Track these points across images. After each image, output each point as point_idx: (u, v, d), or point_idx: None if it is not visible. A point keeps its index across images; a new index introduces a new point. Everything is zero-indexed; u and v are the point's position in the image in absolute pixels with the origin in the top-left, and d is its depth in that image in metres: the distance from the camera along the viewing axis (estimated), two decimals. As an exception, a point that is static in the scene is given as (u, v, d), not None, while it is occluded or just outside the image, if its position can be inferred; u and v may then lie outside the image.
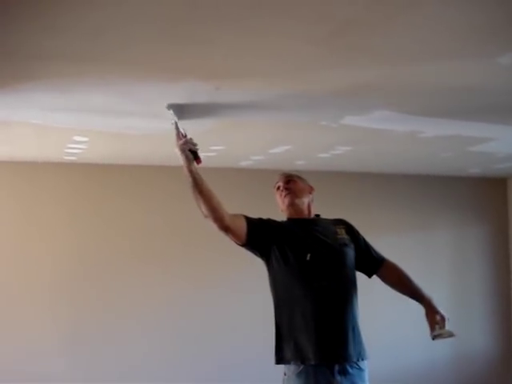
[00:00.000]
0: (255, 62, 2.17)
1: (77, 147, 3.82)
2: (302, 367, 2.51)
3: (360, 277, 2.74)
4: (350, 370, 2.52)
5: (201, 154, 2.53)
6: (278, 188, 2.78)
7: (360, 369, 2.56)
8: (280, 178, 2.80)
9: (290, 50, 2.04)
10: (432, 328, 2.57)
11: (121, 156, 4.28)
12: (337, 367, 2.50)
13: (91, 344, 4.46)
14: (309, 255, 2.58)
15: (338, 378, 2.49)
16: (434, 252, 5.45)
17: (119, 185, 4.68)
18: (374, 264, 2.78)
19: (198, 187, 2.48)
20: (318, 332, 2.52)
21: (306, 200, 2.77)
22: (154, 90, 2.50)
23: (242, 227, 2.57)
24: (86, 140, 3.58)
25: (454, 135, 3.51)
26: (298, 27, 1.82)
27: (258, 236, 2.62)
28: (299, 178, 2.81)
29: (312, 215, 2.79)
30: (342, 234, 2.73)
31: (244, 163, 4.60)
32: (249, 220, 2.61)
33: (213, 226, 2.53)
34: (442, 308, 2.62)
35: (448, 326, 2.56)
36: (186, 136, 2.55)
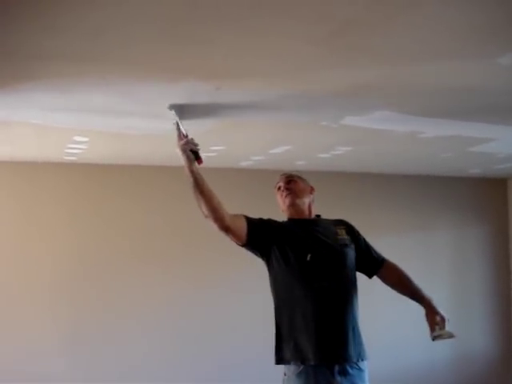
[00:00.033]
0: (255, 62, 2.17)
1: (77, 147, 3.82)
2: (301, 367, 2.51)
3: (360, 277, 2.74)
4: (350, 370, 2.53)
5: (202, 155, 2.54)
6: (279, 188, 2.78)
7: (360, 369, 2.56)
8: (281, 178, 2.80)
9: (290, 50, 2.04)
10: (432, 329, 2.58)
11: (121, 156, 4.28)
12: (337, 368, 2.51)
13: (91, 344, 4.46)
14: (309, 256, 2.59)
15: (338, 378, 2.49)
16: (434, 252, 5.45)
17: (119, 185, 4.68)
18: (375, 264, 2.78)
19: (199, 187, 2.48)
20: (318, 332, 2.52)
21: (306, 200, 2.77)
22: (154, 90, 2.50)
23: (242, 227, 2.57)
24: (86, 140, 3.58)
25: (454, 135, 3.51)
26: (297, 27, 1.82)
27: (259, 236, 2.62)
28: (300, 178, 2.81)
29: (313, 215, 2.79)
30: (343, 234, 2.74)
31: (244, 163, 4.60)
32: (249, 220, 2.61)
33: (213, 227, 2.53)
34: (442, 309, 2.62)
35: (448, 327, 2.57)
36: (187, 136, 2.55)
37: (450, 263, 5.51)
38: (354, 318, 2.62)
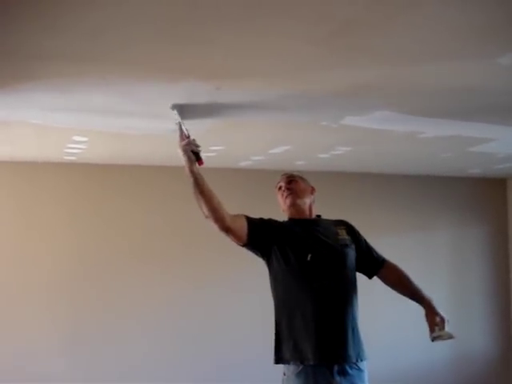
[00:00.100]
0: (255, 62, 2.17)
1: (77, 147, 3.82)
2: (301, 367, 2.51)
3: (360, 277, 2.74)
4: (349, 370, 2.53)
5: (203, 155, 2.54)
6: (280, 188, 2.78)
7: (359, 369, 2.56)
8: (282, 178, 2.81)
9: (290, 50, 2.04)
10: (431, 329, 2.58)
11: (121, 156, 4.28)
12: (336, 368, 2.51)
13: (91, 344, 4.46)
14: (309, 256, 2.59)
15: (338, 378, 2.49)
16: (433, 252, 5.45)
17: (119, 185, 4.68)
18: (375, 265, 2.78)
19: (199, 188, 2.48)
20: (318, 332, 2.52)
21: (307, 200, 2.77)
22: (154, 90, 2.50)
23: (242, 227, 2.57)
24: (86, 140, 3.58)
25: (454, 135, 3.51)
26: (297, 27, 1.82)
27: (259, 236, 2.62)
28: (301, 178, 2.81)
29: (313, 216, 2.79)
30: (343, 234, 2.74)
31: (244, 163, 4.60)
32: (249, 220, 2.61)
33: (213, 227, 2.53)
34: (441, 309, 2.62)
35: (448, 328, 2.57)
36: (189, 137, 2.55)
37: (449, 263, 5.51)
38: (354, 319, 2.62)
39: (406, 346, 5.11)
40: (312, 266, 2.58)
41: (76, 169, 4.51)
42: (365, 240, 2.80)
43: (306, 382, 2.49)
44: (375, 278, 2.81)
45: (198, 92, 2.51)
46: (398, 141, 3.67)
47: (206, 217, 2.51)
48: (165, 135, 3.27)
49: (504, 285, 5.63)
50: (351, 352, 2.54)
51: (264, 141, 3.74)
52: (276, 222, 2.71)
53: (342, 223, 2.81)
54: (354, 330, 2.60)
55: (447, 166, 4.77)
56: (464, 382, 5.29)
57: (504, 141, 3.68)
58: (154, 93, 2.54)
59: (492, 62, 2.14)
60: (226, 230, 2.53)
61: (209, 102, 2.67)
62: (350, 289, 2.65)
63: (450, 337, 2.55)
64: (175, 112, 2.64)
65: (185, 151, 2.50)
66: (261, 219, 2.68)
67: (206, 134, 3.24)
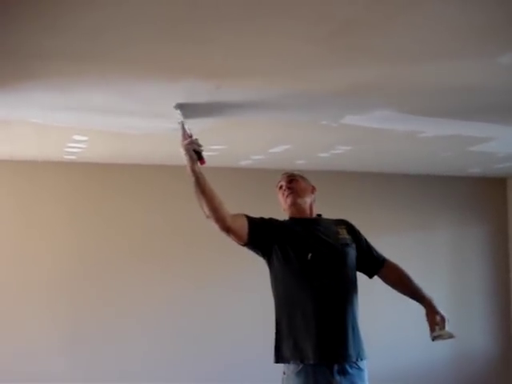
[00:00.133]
0: (255, 61, 2.17)
1: (77, 146, 3.82)
2: (301, 366, 2.51)
3: (360, 277, 2.74)
4: (349, 369, 2.53)
5: (205, 155, 2.54)
6: (281, 187, 2.78)
7: (359, 369, 2.57)
8: (282, 177, 2.81)
9: (290, 50, 2.04)
10: (432, 329, 2.57)
11: (121, 155, 4.28)
12: (336, 367, 2.51)
13: (91, 343, 4.46)
14: (310, 255, 2.59)
15: (338, 377, 2.49)
16: (433, 251, 5.45)
17: (119, 184, 4.68)
18: (375, 264, 2.78)
19: (201, 187, 2.48)
20: (318, 331, 2.53)
21: (308, 200, 2.77)
22: (155, 90, 2.50)
23: (243, 227, 2.57)
24: (86, 139, 3.58)
25: (454, 135, 3.51)
26: (297, 27, 1.82)
27: (260, 235, 2.62)
28: (302, 177, 2.81)
29: (314, 215, 2.79)
30: (344, 234, 2.74)
31: (244, 162, 4.60)
32: (250, 219, 2.61)
33: (214, 227, 2.53)
34: (441, 308, 2.62)
35: (448, 327, 2.57)
36: (191, 136, 2.55)
37: (449, 262, 5.51)
38: (354, 318, 2.62)
39: (406, 345, 5.11)
40: (312, 265, 2.58)
41: (76, 168, 4.51)
42: (365, 239, 2.81)
43: (305, 381, 2.49)
44: (375, 277, 2.81)
45: (198, 91, 2.52)
46: (398, 140, 3.67)
47: (207, 216, 2.51)
48: (165, 134, 3.27)
49: (504, 284, 5.63)
50: (351, 351, 2.54)
51: (264, 140, 3.74)
52: (276, 221, 2.71)
53: (342, 222, 2.81)
54: (355, 329, 2.60)
55: (447, 165, 4.77)
56: (464, 382, 5.30)
57: (504, 140, 3.68)
58: (154, 92, 2.54)
59: (492, 61, 2.14)
60: (227, 229, 2.53)
61: (209, 102, 2.68)
62: (351, 288, 2.65)
63: (451, 336, 2.55)
64: (178, 111, 2.64)
65: (187, 150, 2.50)
66: (261, 218, 2.68)
67: (207, 133, 3.23)
